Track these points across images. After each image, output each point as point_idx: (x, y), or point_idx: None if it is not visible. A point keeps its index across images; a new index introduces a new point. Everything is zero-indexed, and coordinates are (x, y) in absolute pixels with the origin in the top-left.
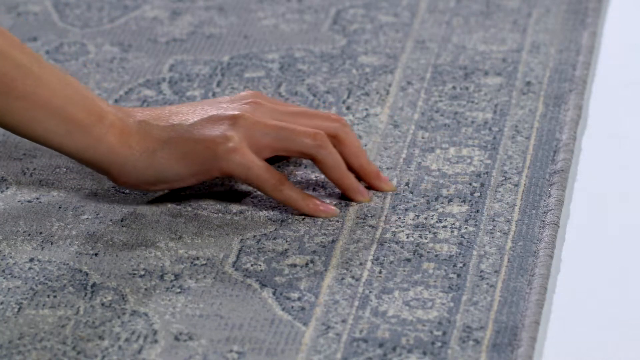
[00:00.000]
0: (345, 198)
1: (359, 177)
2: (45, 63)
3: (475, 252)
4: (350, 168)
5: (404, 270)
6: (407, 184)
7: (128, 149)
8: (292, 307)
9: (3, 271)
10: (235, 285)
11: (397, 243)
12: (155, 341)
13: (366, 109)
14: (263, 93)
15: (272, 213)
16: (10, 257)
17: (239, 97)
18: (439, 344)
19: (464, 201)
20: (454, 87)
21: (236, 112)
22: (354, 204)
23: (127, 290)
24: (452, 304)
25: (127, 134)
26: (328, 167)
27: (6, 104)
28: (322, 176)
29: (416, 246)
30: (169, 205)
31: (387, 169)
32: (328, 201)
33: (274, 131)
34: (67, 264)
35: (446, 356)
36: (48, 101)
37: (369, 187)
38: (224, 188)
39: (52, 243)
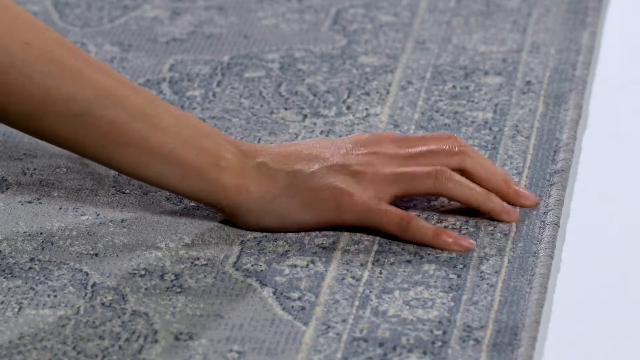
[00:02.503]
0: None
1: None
2: (162, 105)
3: (475, 254)
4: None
5: (405, 271)
6: None
7: (245, 193)
8: (293, 306)
9: (3, 271)
10: (235, 284)
11: (397, 245)
12: (156, 341)
13: (366, 109)
14: (389, 133)
15: None
16: (11, 256)
17: (359, 143)
18: (439, 343)
19: None
20: (454, 87)
21: (357, 168)
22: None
23: (127, 289)
24: (452, 304)
25: (245, 177)
26: (461, 199)
27: (116, 151)
28: None
29: (417, 248)
30: (169, 206)
31: (513, 183)
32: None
33: (395, 181)
34: (67, 263)
35: (446, 356)
36: (159, 147)
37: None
38: None
39: (52, 243)
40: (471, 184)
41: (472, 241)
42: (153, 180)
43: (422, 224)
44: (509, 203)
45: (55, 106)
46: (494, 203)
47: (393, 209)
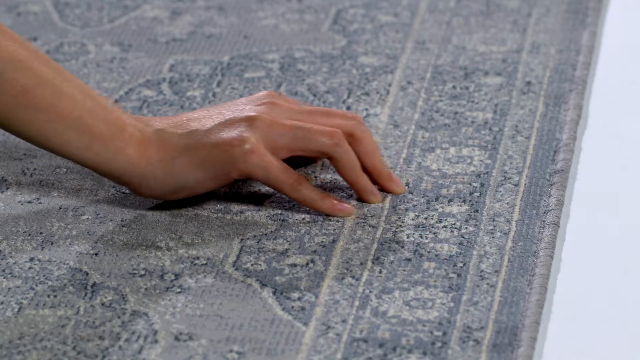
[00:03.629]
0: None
1: (371, 177)
2: (69, 76)
3: (475, 252)
4: (363, 167)
5: (404, 270)
6: (407, 184)
7: (146, 160)
8: (292, 307)
9: (3, 271)
10: (235, 285)
11: (397, 243)
12: (156, 341)
13: (366, 109)
14: (279, 93)
15: (272, 213)
16: (11, 256)
17: (254, 97)
18: (439, 344)
19: (464, 201)
20: (454, 87)
21: (252, 114)
22: (355, 203)
23: (127, 290)
24: (452, 304)
25: (146, 145)
26: (344, 167)
27: (26, 115)
28: (337, 177)
29: (416, 246)
30: (169, 205)
31: (388, 168)
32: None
33: (290, 131)
34: (67, 263)
35: (446, 356)
36: (68, 113)
37: (380, 188)
38: (224, 188)
39: (52, 243)
40: (356, 159)
41: (354, 208)
42: (59, 148)
43: (312, 187)
44: (380, 183)
45: None
46: (366, 182)
47: (288, 167)
